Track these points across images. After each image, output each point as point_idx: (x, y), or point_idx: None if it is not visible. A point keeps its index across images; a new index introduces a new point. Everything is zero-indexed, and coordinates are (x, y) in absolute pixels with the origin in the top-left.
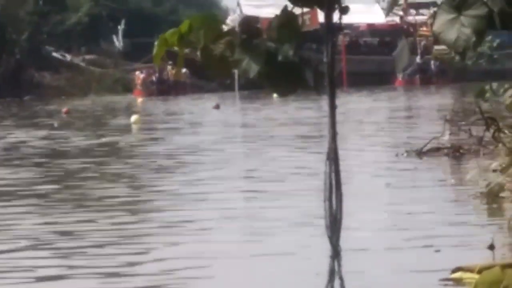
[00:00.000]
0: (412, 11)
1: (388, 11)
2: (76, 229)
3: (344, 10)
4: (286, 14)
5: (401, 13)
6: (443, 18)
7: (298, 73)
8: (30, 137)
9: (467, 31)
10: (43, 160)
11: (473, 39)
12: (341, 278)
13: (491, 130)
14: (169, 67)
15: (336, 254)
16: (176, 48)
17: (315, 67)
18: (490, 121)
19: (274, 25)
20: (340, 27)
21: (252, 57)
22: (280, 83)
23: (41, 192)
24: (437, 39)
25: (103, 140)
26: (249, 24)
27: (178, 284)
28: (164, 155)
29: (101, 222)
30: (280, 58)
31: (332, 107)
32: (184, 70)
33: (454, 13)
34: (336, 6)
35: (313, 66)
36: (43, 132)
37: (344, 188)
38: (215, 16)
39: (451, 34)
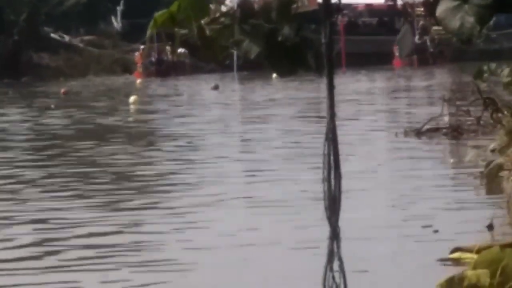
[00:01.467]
0: None
1: None
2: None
3: None
4: None
5: None
6: (447, 4)
7: (299, 54)
8: (26, 118)
9: (471, 19)
10: (38, 141)
11: (477, 28)
12: (340, 259)
13: (490, 110)
14: (168, 48)
15: (335, 235)
16: (174, 29)
17: (317, 48)
18: (488, 101)
19: (274, 6)
20: (339, 8)
21: (253, 38)
22: (281, 63)
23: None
24: (437, 23)
25: (101, 120)
26: (248, 4)
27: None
28: (160, 136)
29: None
30: (280, 39)
31: (331, 88)
32: (183, 50)
33: (459, 0)
34: None
35: (314, 47)
36: (40, 113)
37: (343, 168)
38: None
39: (455, 22)
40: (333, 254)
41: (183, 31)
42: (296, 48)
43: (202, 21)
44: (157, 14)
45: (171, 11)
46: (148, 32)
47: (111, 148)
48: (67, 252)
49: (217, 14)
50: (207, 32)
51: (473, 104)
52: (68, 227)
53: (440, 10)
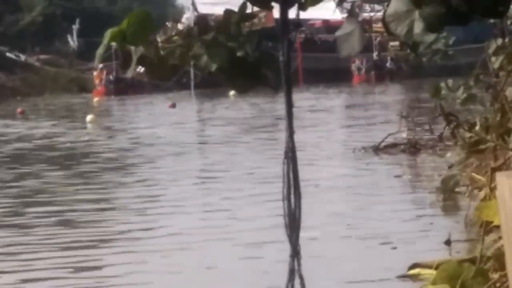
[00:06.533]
0: (367, 7)
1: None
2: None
3: (303, 7)
4: (244, 11)
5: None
6: (397, 7)
7: (258, 70)
8: None
9: (420, 25)
10: None
11: (425, 34)
12: (301, 277)
13: (451, 126)
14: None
15: (295, 253)
16: (131, 47)
17: (276, 65)
18: (451, 117)
19: (233, 21)
20: (298, 24)
21: (212, 53)
22: (240, 80)
23: None
24: (387, 29)
25: (58, 139)
26: (204, 20)
27: None
28: (117, 155)
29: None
30: (240, 54)
31: (289, 106)
32: (142, 69)
33: (410, 5)
34: (295, 3)
35: (274, 63)
36: None
37: (301, 186)
38: (149, 14)
39: (402, 27)
40: (293, 272)
41: (141, 50)
42: (256, 64)
43: (158, 40)
44: (108, 31)
45: (121, 27)
46: (99, 50)
47: (67, 167)
48: None
49: (174, 32)
50: (161, 51)
51: (434, 120)
52: None
53: (388, 13)
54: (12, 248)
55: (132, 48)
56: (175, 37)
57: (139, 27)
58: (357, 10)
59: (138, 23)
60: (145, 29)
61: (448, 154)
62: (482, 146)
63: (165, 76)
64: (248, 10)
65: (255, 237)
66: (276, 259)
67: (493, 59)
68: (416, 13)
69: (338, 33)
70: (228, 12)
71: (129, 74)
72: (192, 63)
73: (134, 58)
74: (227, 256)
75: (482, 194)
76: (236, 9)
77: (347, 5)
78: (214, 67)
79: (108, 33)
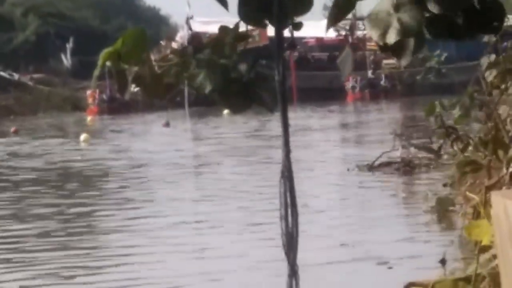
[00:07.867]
0: (361, 25)
1: (330, 23)
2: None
3: (297, 27)
4: (238, 29)
5: (347, 27)
6: (379, 10)
7: (253, 90)
8: None
9: (397, 26)
10: None
11: (403, 34)
12: None
13: (450, 140)
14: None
15: (293, 272)
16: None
17: (271, 84)
18: (451, 130)
19: (228, 41)
20: (293, 44)
21: (208, 73)
22: (235, 100)
23: None
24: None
25: (51, 159)
26: (199, 40)
27: None
28: (109, 174)
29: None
30: (235, 74)
31: (285, 125)
32: (137, 88)
33: (391, 9)
34: (289, 22)
35: (269, 84)
36: None
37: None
38: (144, 31)
39: (378, 29)
40: None
41: (135, 68)
42: (251, 83)
43: (153, 59)
44: (103, 52)
45: (115, 47)
46: (94, 73)
47: (59, 186)
48: None
49: (168, 51)
50: (156, 69)
51: (434, 134)
52: None
53: (370, 15)
54: None
55: (127, 67)
56: (170, 56)
57: (134, 45)
58: (348, 28)
59: (133, 41)
60: (140, 47)
61: (443, 172)
62: (477, 159)
63: (160, 95)
64: (242, 28)
65: (253, 258)
66: (274, 278)
67: (486, 74)
68: (395, 16)
69: (339, 60)
70: (223, 29)
71: (126, 96)
72: (186, 83)
73: (129, 79)
74: (225, 274)
75: (476, 213)
76: (230, 26)
77: (340, 23)
78: (208, 88)
79: (102, 54)
